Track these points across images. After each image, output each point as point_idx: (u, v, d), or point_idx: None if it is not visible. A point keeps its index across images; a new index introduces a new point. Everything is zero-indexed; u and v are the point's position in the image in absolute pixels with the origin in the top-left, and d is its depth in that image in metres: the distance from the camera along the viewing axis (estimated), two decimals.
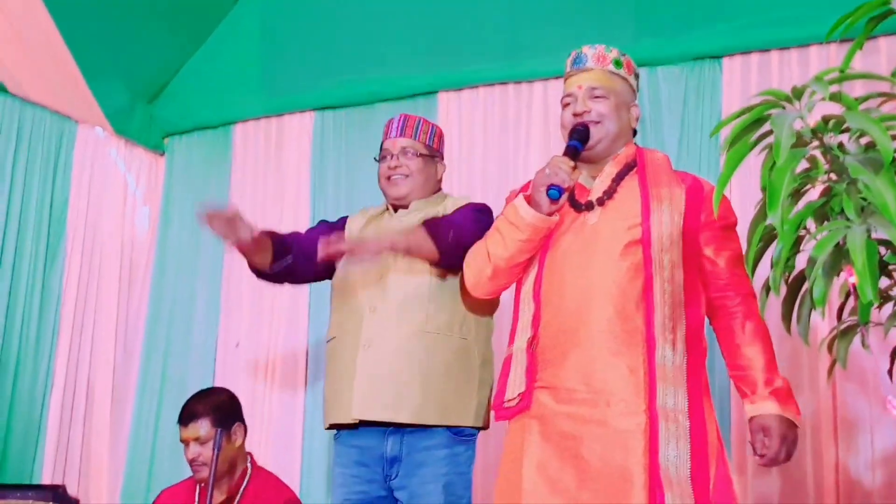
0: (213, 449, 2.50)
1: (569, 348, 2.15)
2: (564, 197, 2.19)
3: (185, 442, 3.03)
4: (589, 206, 2.26)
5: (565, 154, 2.23)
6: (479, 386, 2.62)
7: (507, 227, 2.25)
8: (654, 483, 2.00)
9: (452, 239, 2.49)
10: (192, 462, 3.00)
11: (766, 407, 2.15)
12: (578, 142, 2.27)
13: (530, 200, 2.21)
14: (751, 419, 2.18)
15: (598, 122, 2.30)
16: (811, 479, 3.35)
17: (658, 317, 2.11)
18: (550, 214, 2.20)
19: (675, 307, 2.14)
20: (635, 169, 2.31)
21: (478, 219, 2.60)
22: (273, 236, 2.67)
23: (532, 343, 2.22)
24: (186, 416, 3.05)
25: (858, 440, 3.32)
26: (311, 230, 2.87)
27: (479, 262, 2.33)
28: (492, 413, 2.40)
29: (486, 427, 2.65)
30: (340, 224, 2.85)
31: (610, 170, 2.31)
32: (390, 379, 2.53)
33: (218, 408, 3.06)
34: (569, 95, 2.36)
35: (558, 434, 2.12)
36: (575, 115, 2.31)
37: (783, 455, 2.14)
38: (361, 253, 2.46)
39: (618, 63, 2.36)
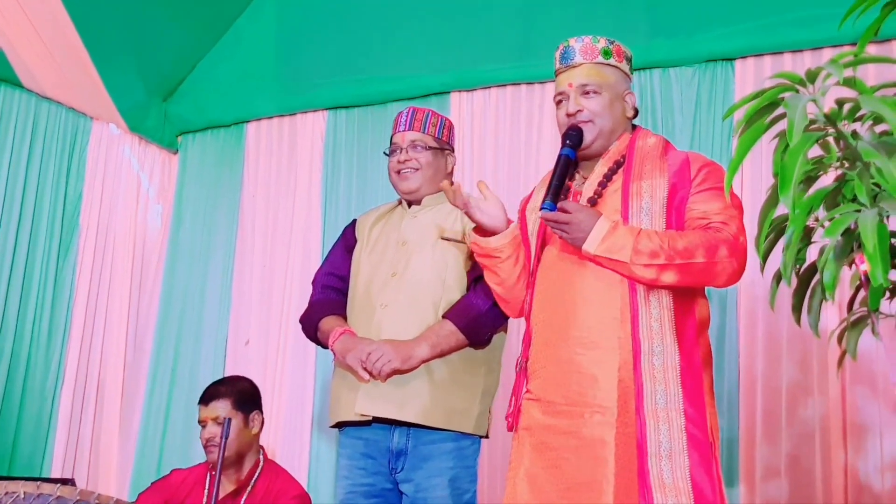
0: (222, 435, 2.50)
1: (550, 361, 2.17)
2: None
3: (203, 423, 3.03)
4: None
5: (557, 164, 2.19)
6: (481, 395, 2.63)
7: (481, 262, 2.38)
8: (644, 488, 1.99)
9: (477, 323, 2.58)
10: (207, 442, 3.00)
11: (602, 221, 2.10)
12: (571, 150, 2.22)
13: (478, 230, 2.32)
14: None
15: (590, 122, 2.24)
16: (819, 481, 3.33)
17: (643, 321, 2.08)
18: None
19: (663, 310, 2.10)
20: (624, 166, 2.24)
21: None
22: (339, 314, 2.75)
23: (522, 361, 2.27)
24: (208, 396, 3.07)
25: (867, 443, 3.30)
26: (331, 262, 2.88)
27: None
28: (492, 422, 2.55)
29: (485, 436, 2.66)
30: (351, 236, 2.85)
31: (599, 170, 2.26)
32: (397, 378, 2.54)
33: (240, 392, 3.09)
34: (560, 94, 2.30)
35: (543, 445, 2.15)
36: (568, 115, 2.26)
37: (564, 220, 2.09)
38: (405, 372, 2.54)
39: (606, 53, 2.28)
